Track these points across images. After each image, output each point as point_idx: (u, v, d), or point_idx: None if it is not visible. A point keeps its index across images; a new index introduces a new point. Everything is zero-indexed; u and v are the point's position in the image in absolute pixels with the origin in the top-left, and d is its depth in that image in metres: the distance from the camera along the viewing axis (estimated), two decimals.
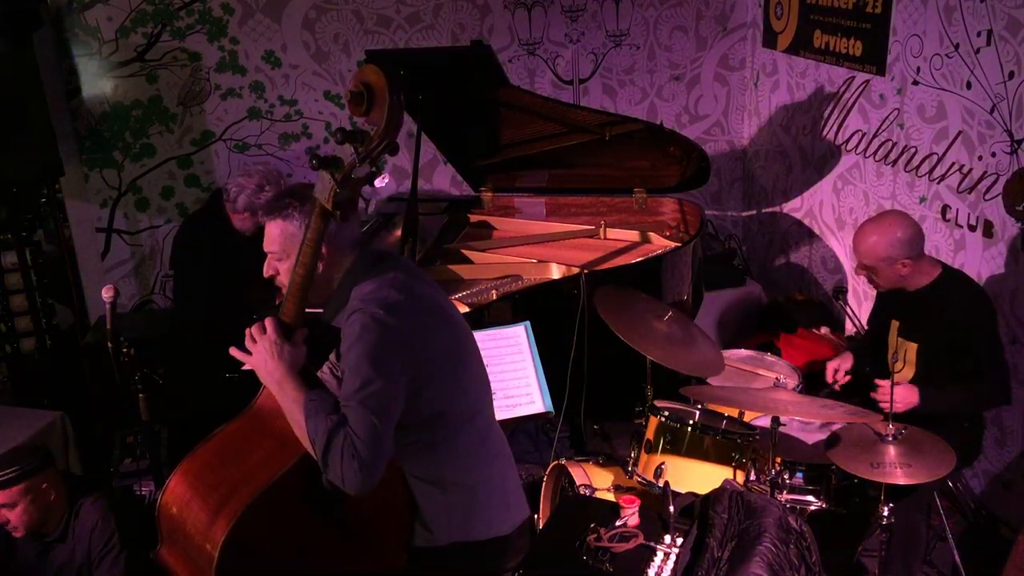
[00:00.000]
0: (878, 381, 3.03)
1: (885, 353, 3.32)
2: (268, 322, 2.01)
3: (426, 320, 2.11)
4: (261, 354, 2.00)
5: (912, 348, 3.20)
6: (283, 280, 2.10)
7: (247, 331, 2.02)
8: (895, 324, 3.27)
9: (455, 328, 2.21)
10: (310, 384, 2.00)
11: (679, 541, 2.46)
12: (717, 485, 2.64)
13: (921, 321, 3.17)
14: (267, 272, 2.12)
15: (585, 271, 3.82)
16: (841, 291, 4.68)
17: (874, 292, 3.48)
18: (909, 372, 3.21)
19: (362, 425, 1.90)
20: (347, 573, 2.15)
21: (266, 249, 2.12)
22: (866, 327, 3.68)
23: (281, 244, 2.07)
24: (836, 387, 3.36)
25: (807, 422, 3.28)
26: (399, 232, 4.09)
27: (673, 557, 2.40)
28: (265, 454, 2.04)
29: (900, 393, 2.98)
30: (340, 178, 1.92)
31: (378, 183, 1.95)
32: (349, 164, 1.91)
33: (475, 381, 2.27)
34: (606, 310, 3.32)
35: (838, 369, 3.38)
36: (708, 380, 3.56)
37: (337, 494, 2.01)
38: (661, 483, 2.86)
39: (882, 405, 2.86)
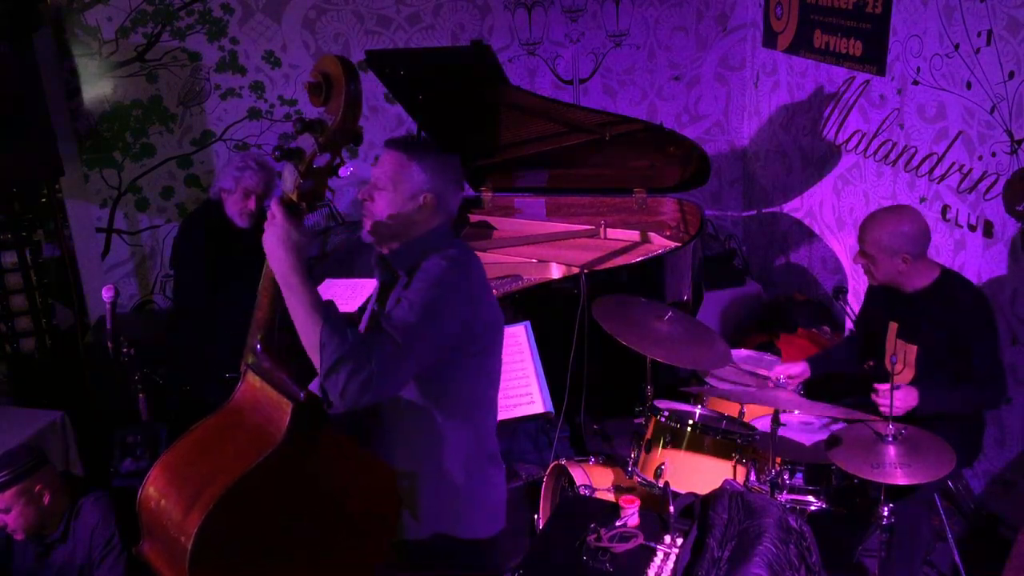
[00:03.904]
0: (877, 385, 3.04)
1: (883, 355, 3.32)
2: (275, 206, 1.98)
3: (484, 300, 2.18)
4: (271, 239, 1.97)
5: (912, 350, 3.20)
6: (371, 209, 2.13)
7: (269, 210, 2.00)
8: (893, 326, 3.27)
9: (498, 323, 2.26)
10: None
11: (679, 541, 2.46)
12: (717, 485, 2.64)
13: (921, 323, 3.16)
14: (361, 195, 2.15)
15: (585, 271, 3.82)
16: (841, 291, 4.68)
17: None
18: (909, 374, 3.20)
19: (392, 352, 1.93)
20: (327, 565, 2.15)
21: (373, 174, 2.15)
22: (854, 328, 3.68)
23: (391, 175, 2.11)
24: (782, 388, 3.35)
25: (807, 422, 3.28)
26: None
27: (673, 557, 2.40)
28: (240, 447, 2.05)
29: (899, 395, 2.98)
30: (303, 169, 1.94)
31: (343, 172, 1.96)
32: (310, 154, 1.93)
33: (494, 379, 2.30)
34: (607, 320, 3.31)
35: (783, 372, 3.38)
36: (708, 380, 3.57)
37: (316, 489, 2.02)
38: (661, 483, 2.87)
39: (882, 409, 2.86)
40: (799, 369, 3.41)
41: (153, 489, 2.09)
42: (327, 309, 1.94)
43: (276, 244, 1.95)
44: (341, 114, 1.89)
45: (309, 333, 1.92)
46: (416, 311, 1.99)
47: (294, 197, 1.96)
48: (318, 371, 1.92)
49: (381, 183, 2.12)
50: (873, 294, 3.44)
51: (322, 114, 1.93)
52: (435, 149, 2.18)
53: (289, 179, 1.96)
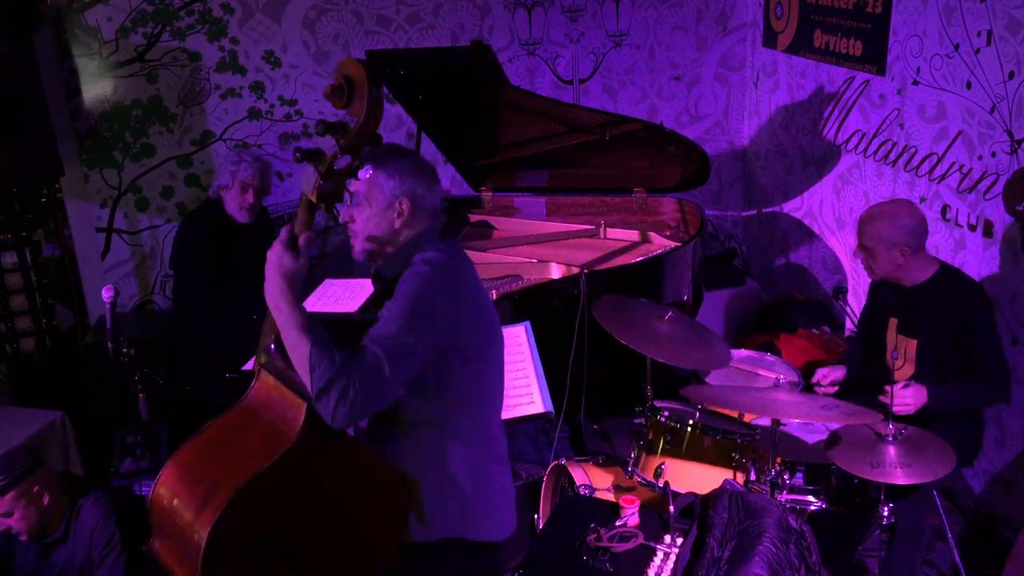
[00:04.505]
0: (888, 388, 3.04)
1: (883, 352, 3.32)
2: (284, 229, 2.01)
3: (472, 301, 2.17)
4: (270, 259, 2.00)
5: (911, 345, 3.20)
6: (355, 230, 2.15)
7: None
8: (893, 321, 3.28)
9: (492, 323, 2.25)
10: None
11: (679, 541, 2.46)
12: (717, 485, 2.64)
13: (920, 317, 3.17)
14: (342, 220, 2.18)
15: (585, 271, 3.82)
16: (841, 291, 4.68)
17: None
18: (909, 369, 3.21)
19: (374, 369, 1.93)
20: (337, 565, 2.15)
21: (350, 189, 2.16)
22: (857, 330, 3.68)
23: (364, 191, 2.12)
24: (818, 390, 3.35)
25: (808, 421, 3.28)
26: None
27: (673, 557, 2.40)
28: (253, 446, 2.05)
29: (909, 394, 2.98)
30: (324, 170, 1.96)
31: (362, 174, 1.99)
32: (331, 156, 1.95)
33: (495, 381, 2.30)
34: (607, 319, 3.31)
35: (827, 375, 3.37)
36: (707, 380, 3.56)
37: (327, 488, 2.03)
38: (661, 483, 2.86)
39: (894, 409, 2.85)
40: (842, 373, 3.38)
41: (165, 487, 2.09)
42: (316, 331, 1.95)
43: (269, 266, 1.99)
44: (363, 116, 1.93)
45: (299, 355, 1.95)
46: (395, 323, 1.99)
47: (313, 198, 1.98)
48: (310, 393, 1.93)
49: (357, 201, 2.14)
50: (874, 292, 3.45)
51: (344, 116, 1.95)
52: (395, 153, 2.18)
53: (309, 180, 1.98)
